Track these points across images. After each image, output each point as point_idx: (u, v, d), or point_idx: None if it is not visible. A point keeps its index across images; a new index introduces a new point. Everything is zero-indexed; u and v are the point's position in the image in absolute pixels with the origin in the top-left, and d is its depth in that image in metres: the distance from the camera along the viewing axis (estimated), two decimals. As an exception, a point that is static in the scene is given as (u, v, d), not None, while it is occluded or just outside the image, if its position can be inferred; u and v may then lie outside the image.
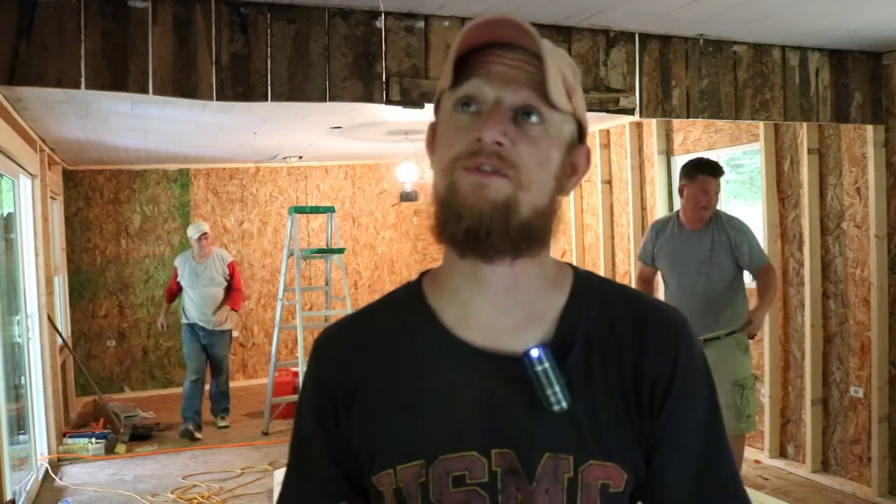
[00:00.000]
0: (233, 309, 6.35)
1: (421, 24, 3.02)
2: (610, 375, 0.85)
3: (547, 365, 0.81)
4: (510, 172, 0.80)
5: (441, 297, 0.90)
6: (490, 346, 0.85)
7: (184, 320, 6.34)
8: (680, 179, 3.86)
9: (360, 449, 0.88)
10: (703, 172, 3.75)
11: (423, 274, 0.97)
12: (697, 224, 3.81)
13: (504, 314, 0.86)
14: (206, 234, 6.29)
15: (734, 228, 3.78)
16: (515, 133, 0.81)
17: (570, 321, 0.87)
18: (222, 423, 6.40)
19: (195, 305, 6.25)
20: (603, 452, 0.83)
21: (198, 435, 6.04)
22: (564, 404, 0.81)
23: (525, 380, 0.82)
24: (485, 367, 0.84)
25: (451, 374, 0.85)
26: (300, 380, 5.86)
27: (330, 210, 6.52)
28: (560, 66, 0.84)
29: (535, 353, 0.82)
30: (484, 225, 0.79)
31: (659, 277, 4.12)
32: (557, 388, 0.81)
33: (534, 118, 0.82)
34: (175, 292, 6.43)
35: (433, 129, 0.91)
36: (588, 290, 0.90)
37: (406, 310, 0.92)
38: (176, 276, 6.37)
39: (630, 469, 0.84)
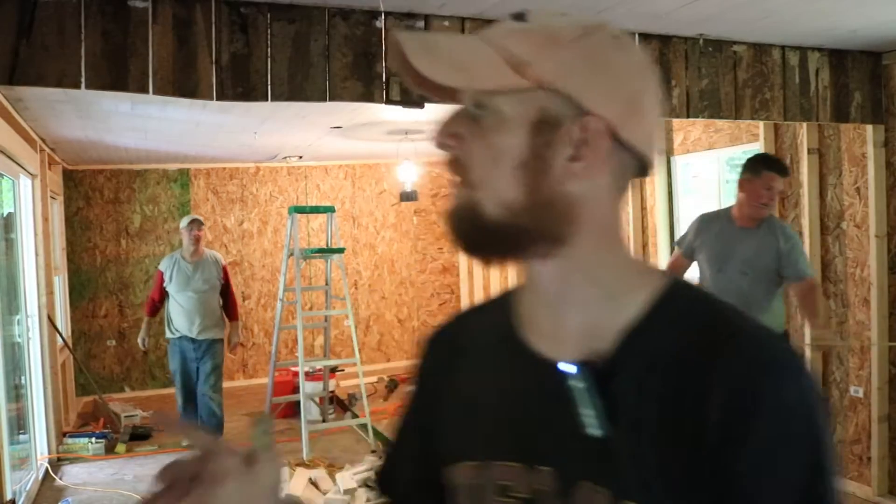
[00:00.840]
0: (234, 321, 5.96)
1: (421, 24, 3.02)
2: (667, 412, 0.71)
3: (581, 384, 0.74)
4: (463, 175, 0.76)
5: (522, 300, 0.86)
6: (550, 356, 0.78)
7: (169, 334, 5.68)
8: (742, 173, 3.66)
9: (438, 441, 0.88)
10: (770, 169, 3.57)
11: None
12: (751, 222, 3.65)
13: (558, 322, 0.79)
14: (197, 220, 5.74)
15: (785, 235, 3.65)
16: (469, 131, 0.75)
17: (632, 340, 0.75)
18: None
19: (184, 313, 5.59)
20: (644, 496, 0.71)
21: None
22: (598, 431, 0.72)
23: (568, 395, 0.75)
24: (542, 377, 0.78)
25: (513, 380, 0.81)
26: (300, 379, 5.87)
27: (330, 210, 6.52)
28: (505, 41, 0.74)
29: (568, 368, 0.75)
30: (454, 230, 0.77)
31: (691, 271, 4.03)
32: (591, 412, 0.73)
33: (479, 109, 0.74)
34: (158, 303, 5.72)
35: None
36: (671, 306, 0.76)
37: (498, 309, 0.88)
38: (161, 282, 5.69)
39: None
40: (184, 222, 5.77)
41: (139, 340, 5.99)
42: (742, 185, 3.65)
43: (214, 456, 0.75)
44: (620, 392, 0.73)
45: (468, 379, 0.86)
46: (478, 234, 0.76)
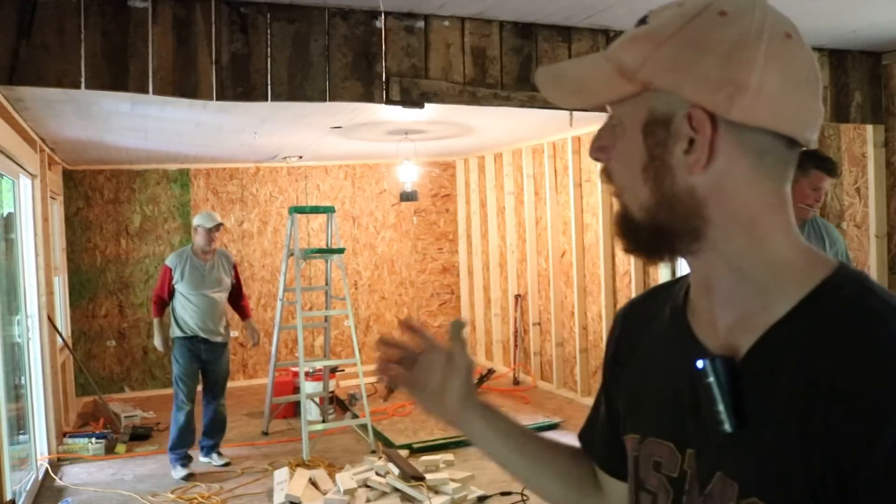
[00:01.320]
0: (248, 318, 5.76)
1: (421, 23, 3.02)
2: (797, 416, 0.69)
3: (711, 379, 0.74)
4: (610, 181, 0.82)
5: (691, 289, 0.88)
6: (708, 344, 0.80)
7: (178, 333, 5.31)
8: None
9: (619, 410, 0.95)
10: (820, 167, 3.29)
11: None
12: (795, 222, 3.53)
13: (712, 313, 0.80)
14: (221, 224, 5.50)
15: (830, 236, 3.49)
16: (611, 141, 0.81)
17: (775, 336, 0.73)
18: (223, 460, 5.43)
19: (198, 313, 5.29)
20: (770, 496, 0.70)
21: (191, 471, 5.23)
22: (727, 426, 0.73)
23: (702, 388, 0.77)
24: (691, 363, 0.79)
25: (674, 363, 0.83)
26: (300, 380, 5.87)
27: (330, 210, 6.52)
28: (619, 52, 0.77)
29: (699, 363, 0.75)
30: (616, 235, 0.83)
31: None
32: (721, 408, 0.73)
33: (614, 121, 0.80)
34: (166, 301, 5.37)
35: None
36: (826, 302, 0.73)
37: (678, 291, 0.89)
38: (170, 279, 5.33)
39: None
40: (207, 222, 5.38)
41: (158, 344, 5.46)
42: None
43: (427, 348, 1.04)
44: (756, 388, 0.73)
45: (644, 356, 0.91)
46: (631, 235, 0.81)
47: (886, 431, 0.63)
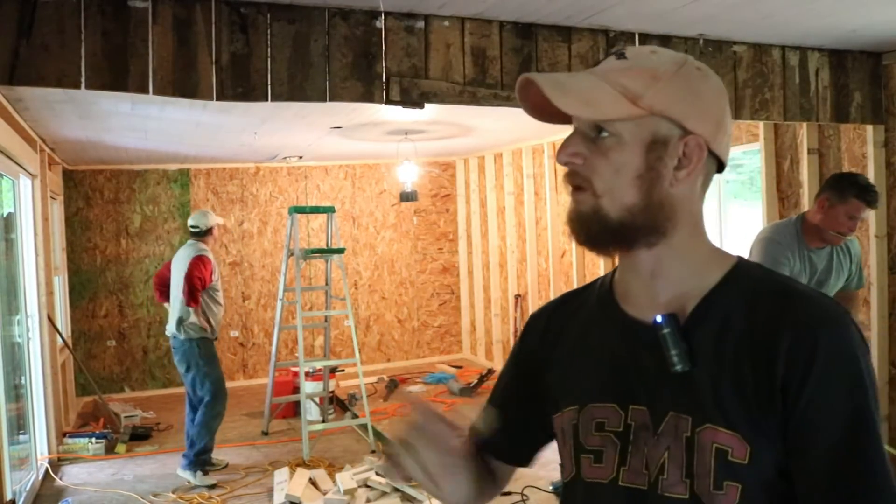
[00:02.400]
0: None
1: (421, 23, 3.02)
2: (741, 356, 0.91)
3: (667, 330, 0.95)
4: (586, 185, 0.96)
5: (619, 280, 1.06)
6: (640, 317, 1.00)
7: (206, 335, 5.15)
8: (824, 189, 3.22)
9: (547, 396, 1.09)
10: (860, 196, 3.09)
11: None
12: (821, 244, 3.27)
13: (652, 293, 1.00)
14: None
15: (855, 253, 3.42)
16: (590, 150, 0.96)
17: (711, 301, 0.97)
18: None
19: (220, 313, 5.29)
20: (722, 419, 0.90)
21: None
22: (680, 367, 0.93)
23: (658, 346, 0.95)
24: (633, 334, 1.00)
25: (609, 339, 1.03)
26: (300, 379, 5.87)
27: (330, 210, 6.52)
28: (619, 78, 0.94)
29: (658, 318, 0.96)
30: (580, 230, 0.98)
31: None
32: (676, 352, 0.94)
33: (604, 133, 0.95)
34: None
35: None
36: (741, 278, 0.98)
37: (599, 288, 1.09)
38: (212, 273, 5.18)
39: (755, 444, 0.89)
40: (220, 219, 5.42)
41: (210, 327, 5.16)
42: (821, 203, 3.18)
43: (434, 423, 1.02)
44: (701, 337, 0.94)
45: (573, 343, 1.08)
46: (602, 232, 0.96)
47: (819, 348, 0.88)
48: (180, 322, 5.11)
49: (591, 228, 0.96)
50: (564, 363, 1.08)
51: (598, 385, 1.02)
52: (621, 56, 0.97)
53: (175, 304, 5.19)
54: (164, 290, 5.44)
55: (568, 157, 0.97)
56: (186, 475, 5.03)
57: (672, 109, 0.94)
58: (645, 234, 0.96)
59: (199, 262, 5.12)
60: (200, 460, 5.06)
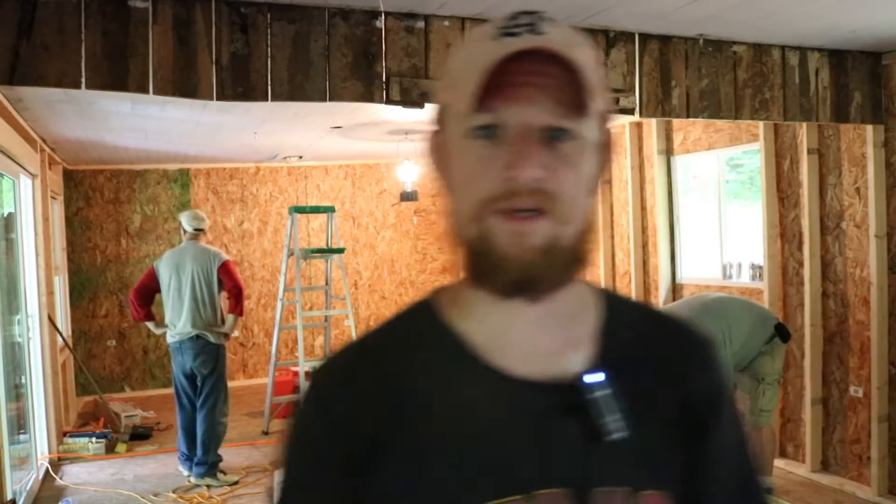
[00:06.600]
0: None
1: (421, 23, 3.02)
2: (661, 399, 0.77)
3: (606, 391, 0.72)
4: (549, 207, 0.69)
5: (468, 320, 0.76)
6: (532, 375, 0.73)
7: (223, 339, 5.14)
8: None
9: (390, 494, 0.73)
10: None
11: (435, 292, 0.81)
12: None
13: (544, 338, 0.75)
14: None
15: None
16: (551, 159, 0.68)
17: (610, 342, 0.77)
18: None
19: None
20: (657, 482, 0.74)
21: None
22: (618, 434, 0.72)
23: (576, 408, 0.72)
24: (528, 398, 0.73)
25: (490, 410, 0.73)
26: (300, 379, 5.86)
27: (330, 210, 6.52)
28: (588, 63, 0.71)
29: (594, 378, 0.73)
30: (532, 275, 0.70)
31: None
32: (618, 416, 0.72)
33: (565, 137, 0.69)
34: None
35: (440, 147, 0.77)
36: (618, 307, 0.81)
37: (428, 337, 0.77)
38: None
39: (680, 495, 0.76)
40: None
41: (227, 332, 5.12)
42: None
43: None
44: (624, 391, 0.74)
45: (426, 422, 0.73)
46: (555, 268, 0.71)
47: (722, 386, 0.82)
48: (209, 325, 5.01)
49: (541, 270, 0.70)
50: (415, 454, 0.73)
51: (488, 476, 0.71)
52: (535, 31, 0.71)
53: (199, 305, 5.02)
54: (146, 301, 5.18)
55: (538, 170, 0.68)
56: (207, 481, 4.93)
57: (605, 101, 0.74)
58: (581, 265, 0.74)
59: (235, 270, 5.16)
60: (216, 459, 5.02)
